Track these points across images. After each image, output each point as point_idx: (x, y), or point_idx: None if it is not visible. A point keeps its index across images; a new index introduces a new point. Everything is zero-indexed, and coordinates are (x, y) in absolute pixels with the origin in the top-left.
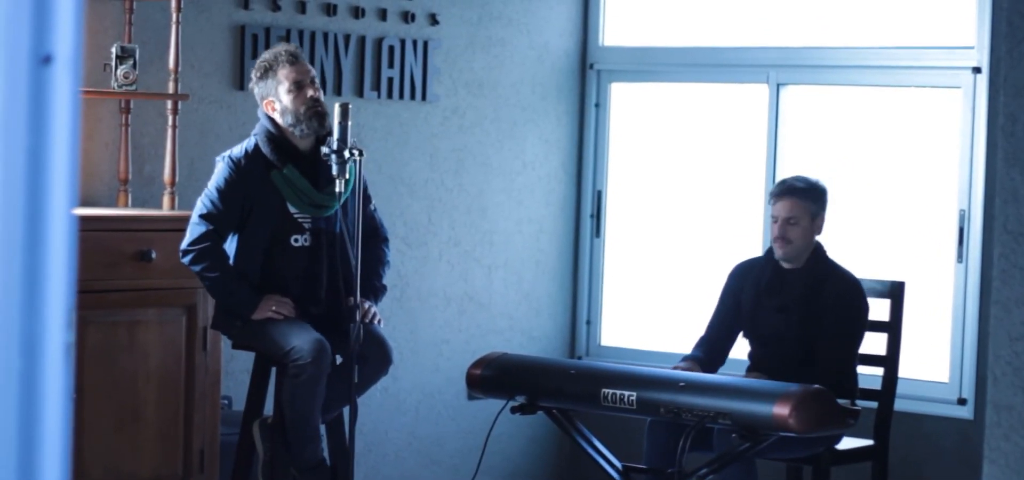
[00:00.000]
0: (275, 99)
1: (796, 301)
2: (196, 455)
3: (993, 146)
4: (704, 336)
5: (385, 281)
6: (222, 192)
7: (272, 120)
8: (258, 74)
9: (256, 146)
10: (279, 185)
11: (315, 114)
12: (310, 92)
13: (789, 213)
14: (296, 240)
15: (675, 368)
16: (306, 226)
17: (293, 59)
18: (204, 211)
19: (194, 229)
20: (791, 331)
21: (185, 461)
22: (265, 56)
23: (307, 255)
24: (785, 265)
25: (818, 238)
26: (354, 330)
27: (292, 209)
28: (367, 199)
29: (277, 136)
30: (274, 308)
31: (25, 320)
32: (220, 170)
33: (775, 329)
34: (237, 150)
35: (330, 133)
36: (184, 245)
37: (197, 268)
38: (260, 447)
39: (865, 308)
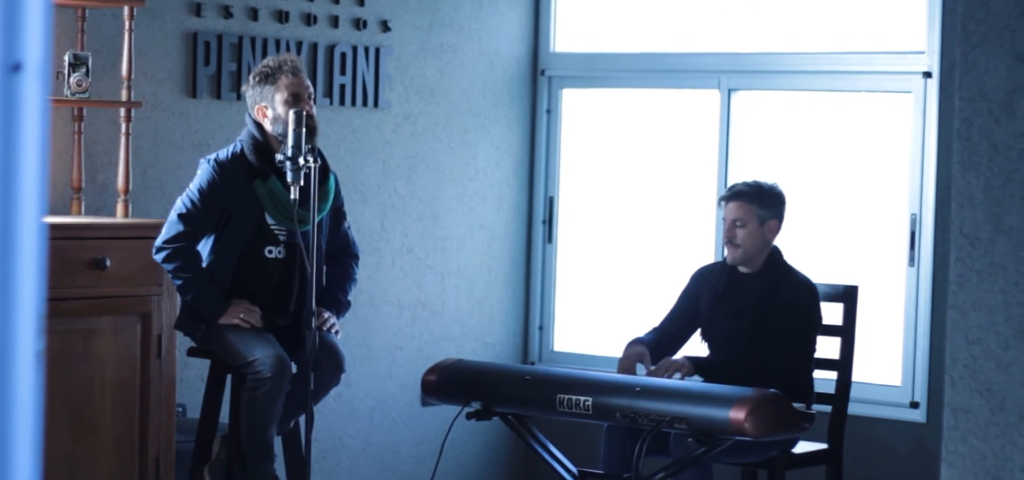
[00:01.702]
0: (269, 106)
1: (750, 307)
2: (152, 463)
3: (944, 150)
4: (659, 326)
5: (350, 298)
6: (203, 193)
7: (259, 128)
8: (257, 78)
9: (242, 151)
10: (260, 195)
11: (307, 128)
12: (306, 107)
13: (735, 216)
14: (270, 252)
15: (628, 347)
16: (281, 238)
17: (296, 71)
18: (183, 210)
19: (170, 227)
20: (743, 336)
21: (141, 469)
22: (268, 62)
23: (280, 267)
24: (742, 270)
25: (777, 242)
26: (309, 337)
27: (269, 221)
28: (342, 216)
29: (263, 144)
30: (242, 316)
31: None
32: (204, 171)
33: (727, 333)
34: (223, 153)
35: (316, 149)
36: (158, 242)
37: (169, 266)
38: None
39: (817, 312)
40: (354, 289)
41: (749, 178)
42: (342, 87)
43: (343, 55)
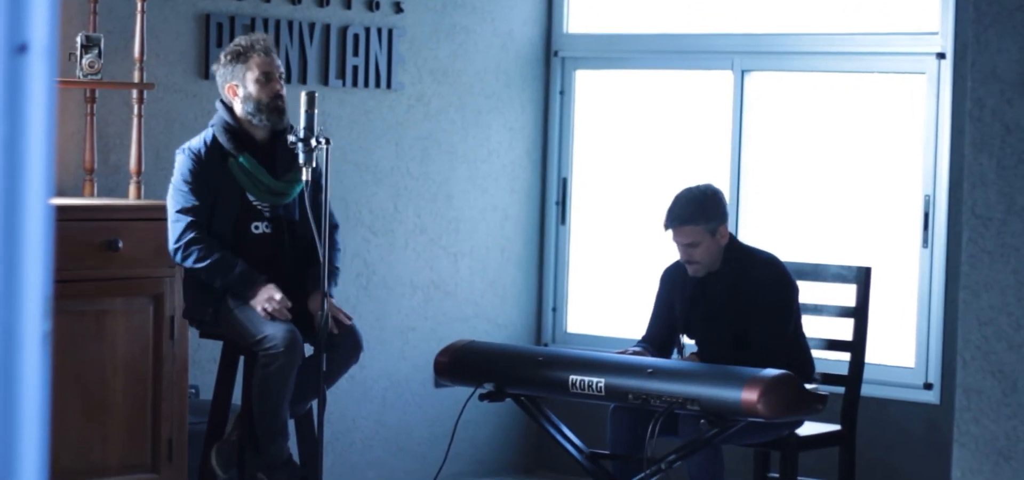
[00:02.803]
0: (240, 85)
1: (720, 307)
2: (164, 444)
3: (958, 131)
4: (646, 335)
5: (338, 264)
6: (189, 183)
7: (229, 110)
8: (229, 57)
9: (214, 137)
10: (236, 174)
11: (276, 108)
12: (276, 86)
13: (686, 240)
14: (256, 227)
15: (624, 351)
16: (266, 214)
17: (267, 51)
18: (179, 206)
19: (175, 226)
20: (723, 336)
21: (153, 451)
22: (239, 41)
23: (269, 242)
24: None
25: (731, 232)
26: (322, 319)
27: (251, 198)
28: (321, 188)
29: (234, 126)
30: (267, 307)
31: (2, 309)
32: (181, 162)
33: (706, 336)
34: (195, 142)
35: (288, 128)
36: (172, 245)
37: (190, 262)
38: (219, 473)
39: (789, 282)
40: (339, 256)
41: (683, 191)
42: (355, 68)
43: (356, 36)
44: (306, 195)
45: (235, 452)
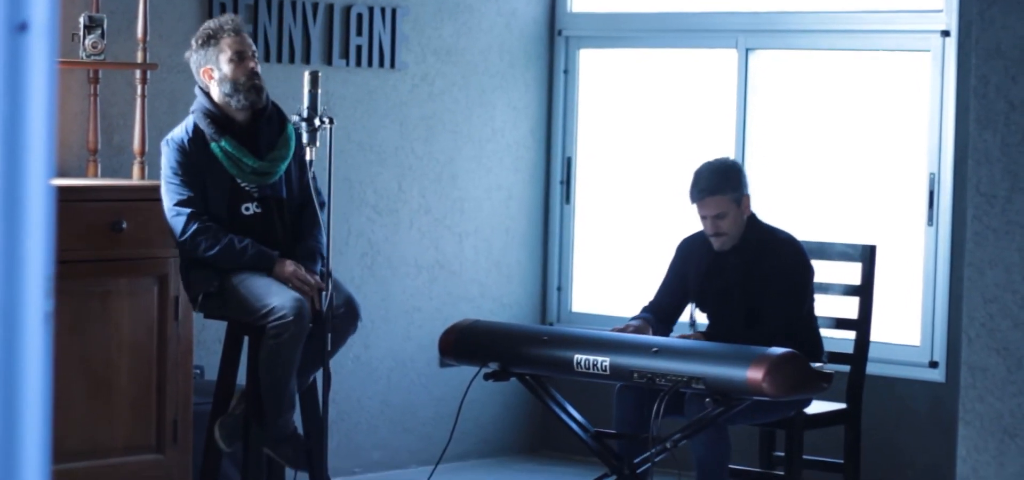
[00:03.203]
0: (214, 68)
1: (736, 283)
2: (169, 425)
3: (963, 109)
4: (652, 302)
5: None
6: (178, 175)
7: (207, 96)
8: (199, 41)
9: (195, 125)
10: (219, 157)
11: (253, 87)
12: (251, 64)
13: (715, 211)
14: (247, 208)
15: (623, 328)
16: (255, 194)
17: (238, 30)
18: (175, 199)
19: (177, 221)
20: (736, 312)
21: (158, 431)
22: (209, 24)
23: (260, 222)
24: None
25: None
26: (325, 297)
27: (238, 180)
28: (305, 166)
29: (213, 111)
30: (296, 280)
31: (4, 289)
32: (168, 155)
33: (719, 310)
34: (177, 132)
35: (267, 107)
36: (178, 239)
37: (200, 253)
38: (222, 445)
39: (807, 263)
40: (322, 235)
41: (707, 163)
42: (358, 48)
43: (359, 16)
44: (294, 173)
45: (239, 426)
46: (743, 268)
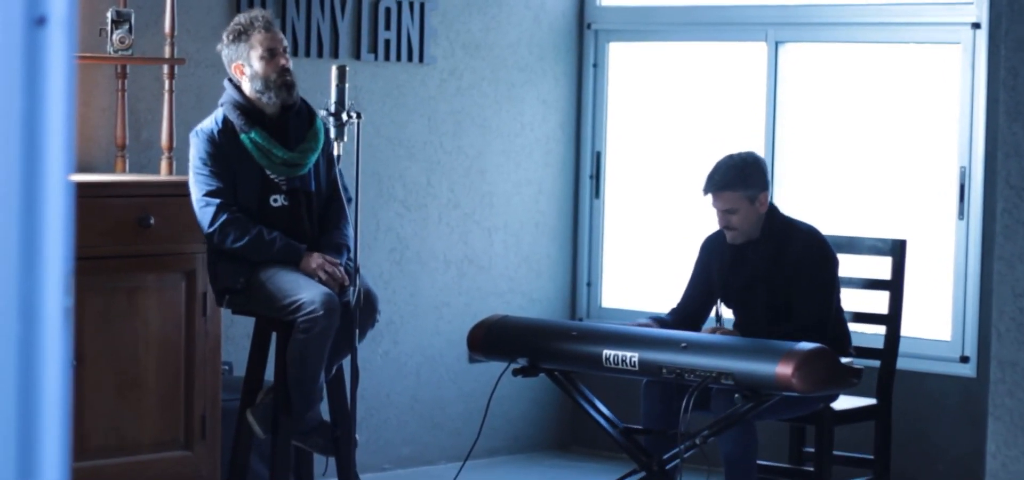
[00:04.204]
0: (245, 64)
1: (758, 277)
2: (197, 421)
3: (993, 102)
4: (678, 305)
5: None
6: (208, 165)
7: (238, 88)
8: (230, 37)
9: (225, 117)
10: (248, 148)
11: (284, 83)
12: (282, 61)
13: (725, 206)
14: (275, 200)
15: (635, 324)
16: (283, 187)
17: (268, 26)
18: (204, 190)
19: (205, 212)
20: (759, 306)
21: (186, 427)
22: (239, 19)
23: (288, 214)
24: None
25: (771, 201)
26: (352, 292)
27: (268, 171)
28: (334, 161)
29: (244, 104)
30: (322, 273)
31: (23, 285)
32: (197, 145)
33: (744, 304)
34: (207, 123)
35: (296, 103)
36: (206, 230)
37: (228, 244)
38: (257, 430)
39: (831, 255)
40: (349, 229)
41: (726, 157)
42: (387, 42)
43: (388, 10)
44: (321, 167)
45: (270, 414)
46: (765, 263)
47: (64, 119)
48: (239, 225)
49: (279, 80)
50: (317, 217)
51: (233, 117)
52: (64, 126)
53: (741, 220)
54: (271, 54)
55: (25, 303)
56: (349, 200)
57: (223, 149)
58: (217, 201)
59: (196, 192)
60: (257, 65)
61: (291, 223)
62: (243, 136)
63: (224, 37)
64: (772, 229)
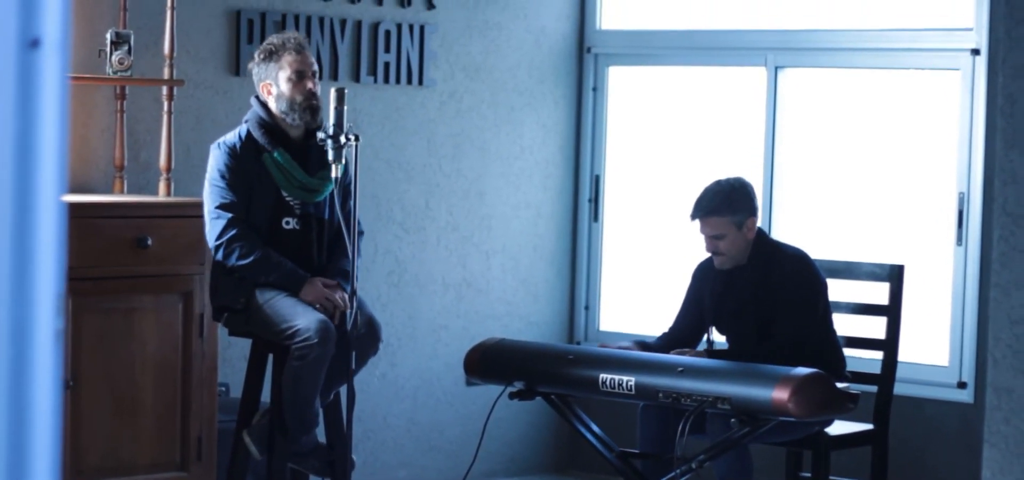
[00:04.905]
0: (273, 83)
1: (747, 301)
2: (194, 443)
3: (992, 128)
4: (668, 331)
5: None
6: (226, 177)
7: (264, 106)
8: (262, 56)
9: (248, 132)
10: (269, 168)
11: (309, 107)
12: (309, 85)
13: (712, 232)
14: (287, 223)
15: (616, 346)
16: (297, 210)
17: (300, 49)
18: (219, 202)
19: (215, 223)
20: (750, 330)
21: (183, 449)
22: (272, 40)
23: (298, 239)
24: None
25: (758, 226)
26: (351, 316)
27: (284, 193)
28: (349, 193)
29: (269, 122)
30: (318, 305)
31: (14, 306)
32: (217, 157)
33: (734, 330)
34: (230, 137)
35: (320, 127)
36: (213, 242)
37: (232, 260)
38: (254, 451)
39: (817, 278)
40: (360, 262)
41: (713, 183)
42: (386, 65)
43: (388, 33)
44: (337, 198)
45: (266, 435)
46: (752, 287)
47: (57, 141)
48: (246, 242)
49: (305, 103)
50: (326, 245)
51: (257, 135)
52: (57, 148)
53: (728, 245)
54: (299, 76)
55: (16, 325)
56: (361, 233)
57: (242, 164)
58: (229, 215)
59: (209, 203)
60: (284, 86)
61: (300, 248)
62: (266, 154)
63: (255, 55)
64: (760, 254)
